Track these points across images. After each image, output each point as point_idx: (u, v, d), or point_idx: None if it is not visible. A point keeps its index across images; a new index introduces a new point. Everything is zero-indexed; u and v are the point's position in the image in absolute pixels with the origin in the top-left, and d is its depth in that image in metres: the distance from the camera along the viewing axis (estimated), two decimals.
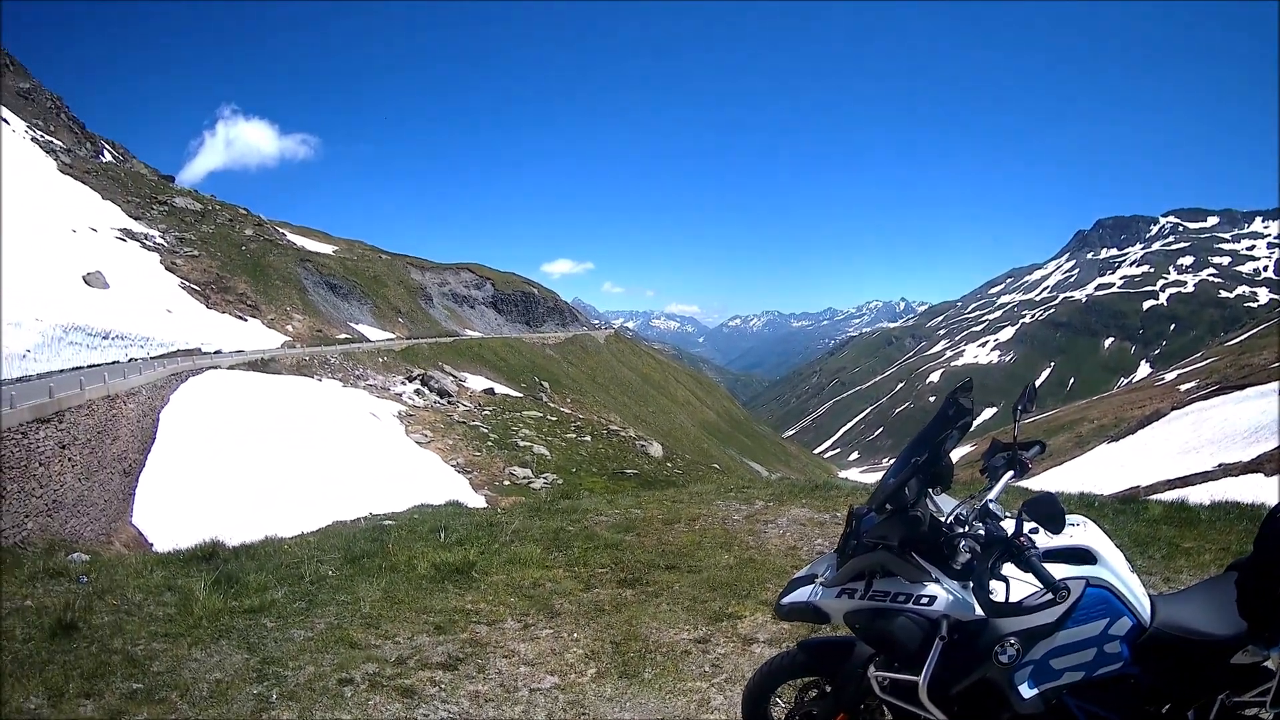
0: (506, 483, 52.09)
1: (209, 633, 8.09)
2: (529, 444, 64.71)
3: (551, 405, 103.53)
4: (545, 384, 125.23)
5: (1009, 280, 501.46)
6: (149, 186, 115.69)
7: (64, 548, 16.39)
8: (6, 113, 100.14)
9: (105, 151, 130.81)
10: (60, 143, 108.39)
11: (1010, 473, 4.16)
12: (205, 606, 8.69)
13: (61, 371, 43.36)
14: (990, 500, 3.88)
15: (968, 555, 3.67)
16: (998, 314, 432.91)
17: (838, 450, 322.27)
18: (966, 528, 3.76)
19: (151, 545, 26.33)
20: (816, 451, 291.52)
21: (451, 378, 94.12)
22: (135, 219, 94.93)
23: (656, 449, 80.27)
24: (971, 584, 3.52)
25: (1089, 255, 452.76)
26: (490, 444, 62.15)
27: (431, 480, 44.13)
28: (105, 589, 9.54)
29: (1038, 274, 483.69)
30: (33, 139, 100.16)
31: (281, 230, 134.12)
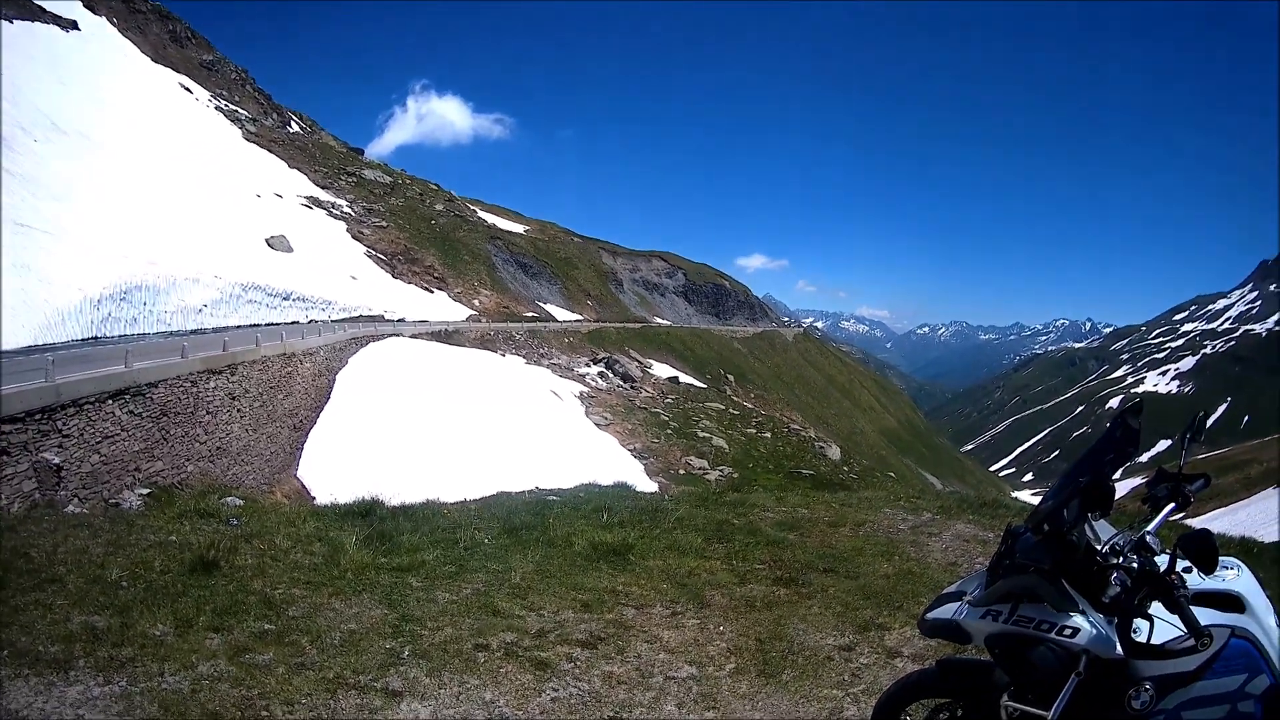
0: (682, 472, 52.54)
1: (352, 585, 8.32)
2: (708, 435, 65.09)
3: (734, 399, 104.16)
4: (730, 377, 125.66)
5: (1194, 307, 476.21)
6: (337, 158, 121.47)
7: (220, 492, 17.15)
8: (189, 82, 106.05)
9: (293, 123, 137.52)
10: (245, 112, 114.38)
11: (1172, 505, 3.95)
12: (353, 560, 8.97)
13: (239, 327, 46.11)
14: (1149, 532, 3.72)
15: (1117, 589, 3.49)
16: (1180, 342, 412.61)
17: (1013, 469, 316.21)
18: (1120, 559, 3.58)
19: (313, 498, 27.54)
20: (992, 469, 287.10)
21: (636, 363, 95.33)
22: (322, 188, 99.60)
23: (835, 451, 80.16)
24: (1117, 620, 3.43)
25: (1272, 287, 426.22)
26: (670, 432, 62.72)
27: (606, 462, 44.56)
28: (254, 533, 9.93)
29: (1221, 303, 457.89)
30: (216, 108, 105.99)
31: (472, 207, 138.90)
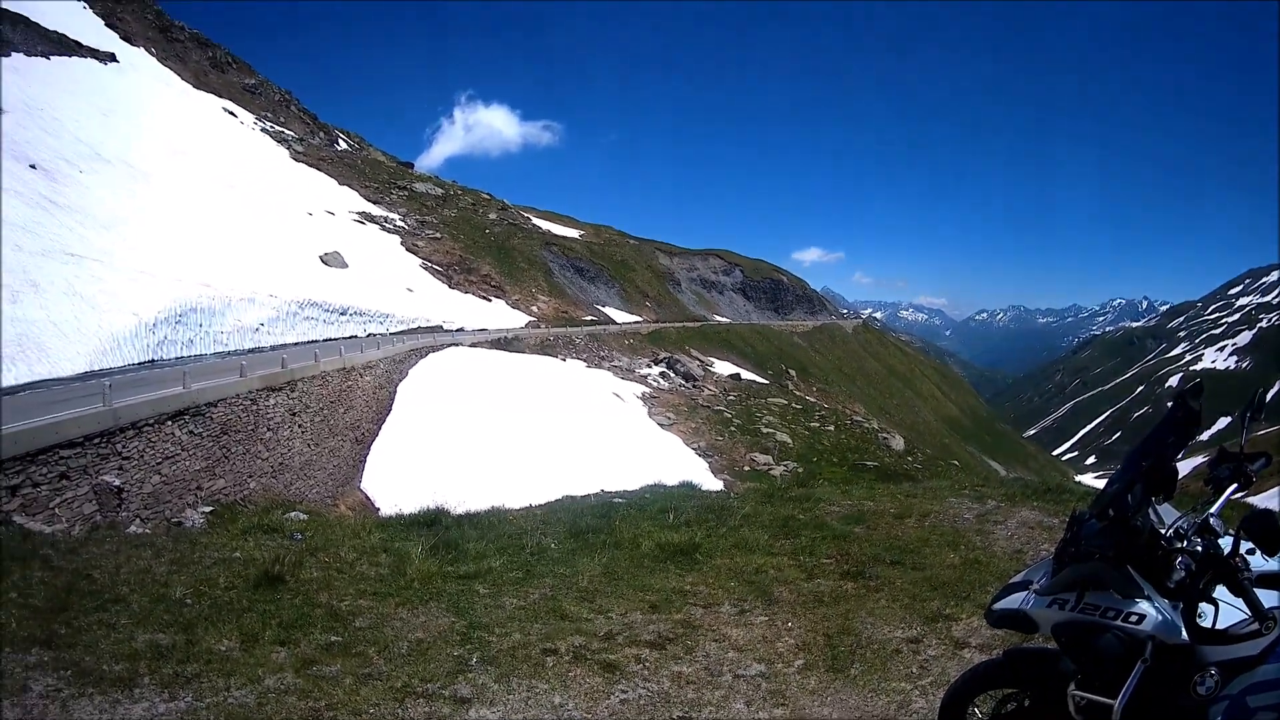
0: (747, 468, 52.57)
1: (419, 595, 8.43)
2: (772, 431, 65.01)
3: (797, 393, 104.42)
4: (792, 371, 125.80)
5: (1247, 280, 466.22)
6: (387, 172, 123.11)
7: (284, 507, 17.35)
8: (233, 106, 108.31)
9: (340, 140, 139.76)
10: (292, 132, 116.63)
11: (1234, 485, 3.95)
12: (419, 569, 9.08)
13: (297, 344, 46.83)
14: (1212, 514, 3.73)
15: (1182, 573, 3.48)
16: (1235, 317, 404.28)
17: (1075, 453, 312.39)
18: (1184, 542, 3.58)
19: (378, 510, 27.84)
20: (1055, 453, 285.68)
21: (698, 362, 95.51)
22: (374, 203, 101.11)
23: (898, 442, 79.64)
24: (1182, 605, 3.40)
25: None
26: (733, 429, 62.72)
27: (671, 462, 44.70)
28: (319, 547, 10.09)
29: (1275, 274, 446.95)
30: (262, 129, 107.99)
31: (526, 214, 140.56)
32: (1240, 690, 3.25)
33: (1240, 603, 3.31)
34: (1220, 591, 3.37)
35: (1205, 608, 3.35)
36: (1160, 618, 3.42)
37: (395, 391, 43.47)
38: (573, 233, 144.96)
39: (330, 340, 50.65)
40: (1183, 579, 3.43)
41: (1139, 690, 3.46)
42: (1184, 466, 3.88)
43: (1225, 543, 3.47)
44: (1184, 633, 3.36)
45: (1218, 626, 3.34)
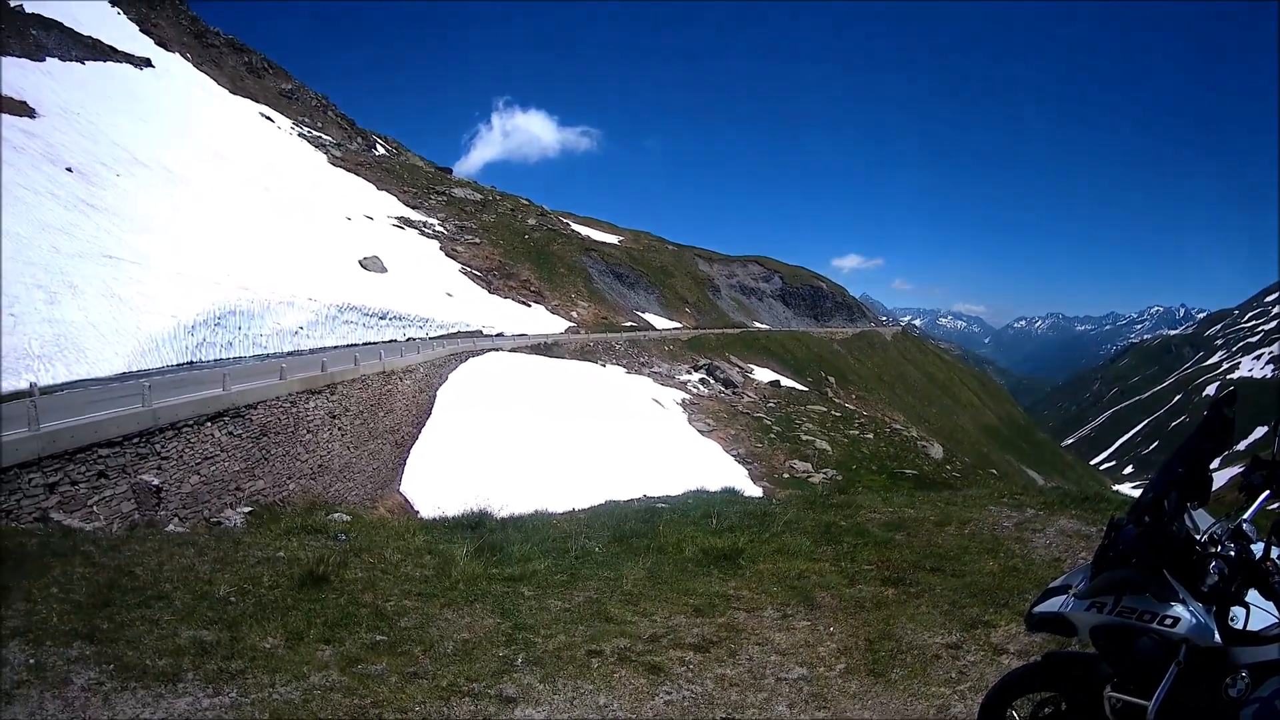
0: (786, 475, 53.08)
1: (464, 596, 8.49)
2: (811, 438, 65.26)
3: (836, 400, 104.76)
4: (831, 379, 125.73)
5: None
6: (426, 177, 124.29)
7: (325, 508, 17.50)
8: (270, 111, 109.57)
9: (378, 145, 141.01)
10: (329, 137, 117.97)
11: (1267, 492, 4.06)
12: (464, 571, 9.18)
13: (337, 348, 47.50)
14: (1245, 520, 3.84)
15: (1216, 578, 3.60)
16: (1272, 324, 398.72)
17: (1113, 463, 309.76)
18: (1218, 547, 3.70)
19: (417, 512, 28.39)
20: (1093, 462, 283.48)
21: (737, 368, 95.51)
22: (413, 208, 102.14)
23: (937, 450, 79.88)
24: (1215, 608, 3.54)
25: None
26: (773, 436, 63.11)
27: (711, 468, 44.97)
28: (363, 548, 10.15)
29: None
30: (300, 134, 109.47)
31: (565, 220, 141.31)
32: (1271, 692, 3.34)
33: (1271, 606, 3.47)
34: (1252, 595, 3.53)
35: (1237, 611, 3.50)
36: (1194, 621, 3.53)
37: (435, 395, 43.93)
38: (612, 238, 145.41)
39: (370, 344, 51.37)
40: (1216, 583, 3.55)
41: (1173, 692, 3.57)
42: (1220, 476, 3.91)
43: (1258, 548, 3.61)
44: (1217, 635, 3.48)
45: (1249, 629, 3.47)
